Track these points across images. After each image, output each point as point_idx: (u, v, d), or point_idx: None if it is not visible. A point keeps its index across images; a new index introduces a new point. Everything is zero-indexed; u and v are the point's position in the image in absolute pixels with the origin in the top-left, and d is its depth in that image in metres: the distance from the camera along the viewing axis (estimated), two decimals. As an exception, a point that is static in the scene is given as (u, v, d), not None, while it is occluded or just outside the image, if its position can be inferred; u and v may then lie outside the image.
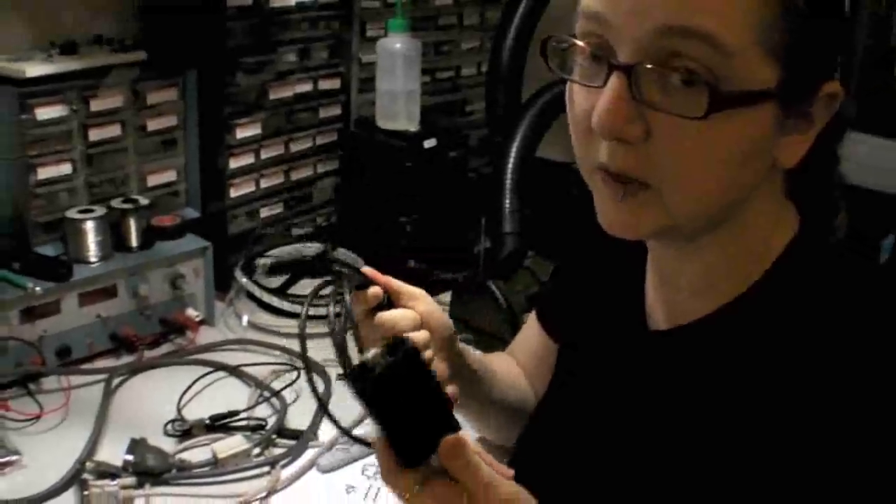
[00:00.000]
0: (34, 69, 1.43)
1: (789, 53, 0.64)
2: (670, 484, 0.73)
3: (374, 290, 0.88)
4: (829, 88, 0.67)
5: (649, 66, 0.64)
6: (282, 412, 1.36)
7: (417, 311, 0.90)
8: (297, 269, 1.73)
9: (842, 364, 0.67)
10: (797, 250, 0.74)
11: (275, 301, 1.62)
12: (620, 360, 0.84)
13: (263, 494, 1.20)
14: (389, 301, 0.89)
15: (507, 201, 1.68)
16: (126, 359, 1.51)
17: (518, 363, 1.13)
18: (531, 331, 1.09)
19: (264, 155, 1.74)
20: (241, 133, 1.69)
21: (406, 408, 0.68)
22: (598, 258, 0.91)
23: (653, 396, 0.78)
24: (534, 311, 1.10)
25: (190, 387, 1.42)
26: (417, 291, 0.93)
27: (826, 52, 0.67)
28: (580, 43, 0.69)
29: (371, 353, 0.67)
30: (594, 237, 0.91)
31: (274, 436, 1.31)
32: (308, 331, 0.92)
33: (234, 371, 1.49)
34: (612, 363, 0.85)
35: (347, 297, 0.83)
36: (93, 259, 1.49)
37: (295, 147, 1.80)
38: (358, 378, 0.67)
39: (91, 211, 1.50)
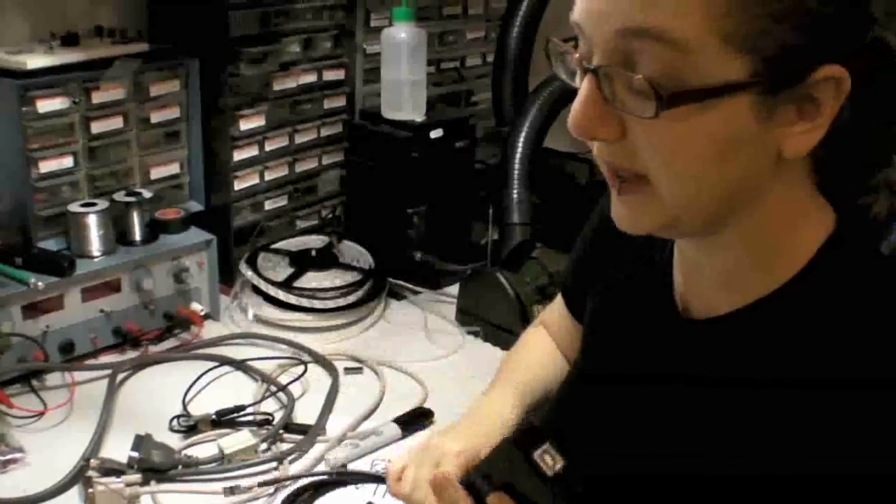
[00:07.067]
0: (35, 61, 1.41)
1: (757, 43, 0.62)
2: (703, 469, 0.73)
3: None
4: (828, 72, 0.64)
5: (608, 66, 0.65)
6: (289, 407, 1.34)
7: None
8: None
9: (881, 364, 0.65)
10: (835, 246, 0.72)
11: (280, 294, 1.60)
12: (655, 347, 0.83)
13: (271, 490, 1.18)
14: None
15: (515, 192, 1.66)
16: (130, 354, 1.50)
17: (550, 334, 1.14)
18: (560, 307, 1.10)
19: (268, 147, 1.73)
20: (245, 125, 1.67)
21: None
22: (620, 240, 0.90)
23: (689, 384, 0.77)
24: (559, 294, 1.11)
25: (195, 382, 1.40)
26: None
27: (803, 35, 0.63)
28: (571, 48, 0.71)
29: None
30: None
31: (281, 431, 1.29)
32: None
33: (240, 365, 1.48)
34: (647, 349, 0.84)
35: None
36: (96, 253, 1.47)
37: (299, 138, 1.78)
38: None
39: (94, 205, 1.48)
